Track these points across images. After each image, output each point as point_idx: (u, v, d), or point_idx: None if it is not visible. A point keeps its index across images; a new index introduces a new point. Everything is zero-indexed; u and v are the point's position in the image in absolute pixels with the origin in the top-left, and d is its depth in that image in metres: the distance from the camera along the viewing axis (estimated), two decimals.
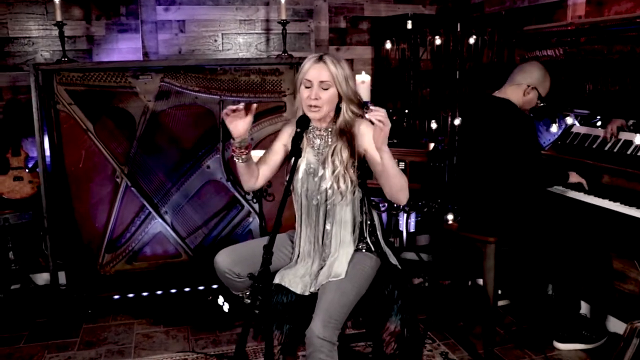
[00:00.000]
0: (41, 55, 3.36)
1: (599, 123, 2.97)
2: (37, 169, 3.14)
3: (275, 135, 3.30)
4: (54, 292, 3.19)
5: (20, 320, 3.10)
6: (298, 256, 2.11)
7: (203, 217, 3.39)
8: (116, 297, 3.26)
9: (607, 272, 2.76)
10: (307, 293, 2.01)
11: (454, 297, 3.30)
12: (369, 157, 1.98)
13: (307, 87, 1.97)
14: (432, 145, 3.53)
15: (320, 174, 2.03)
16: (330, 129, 2.05)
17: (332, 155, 2.01)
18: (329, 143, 2.04)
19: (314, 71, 1.96)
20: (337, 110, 2.03)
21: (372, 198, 2.16)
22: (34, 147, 3.34)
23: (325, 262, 2.05)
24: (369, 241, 2.09)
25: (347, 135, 1.99)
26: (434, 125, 3.65)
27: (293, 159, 1.87)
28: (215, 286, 3.32)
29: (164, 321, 3.08)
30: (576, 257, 2.61)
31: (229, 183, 3.37)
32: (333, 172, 1.99)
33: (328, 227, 2.05)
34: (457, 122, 3.62)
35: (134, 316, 3.15)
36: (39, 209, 3.13)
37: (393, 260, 2.14)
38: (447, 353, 2.73)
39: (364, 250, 2.07)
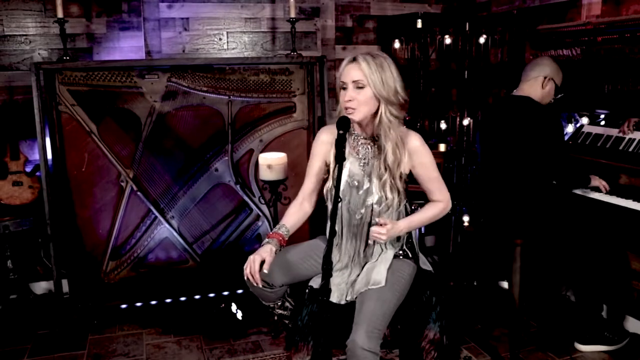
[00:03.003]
0: (39, 54, 3.21)
1: (602, 123, 2.96)
2: (38, 173, 3.00)
3: (284, 137, 3.29)
4: (57, 302, 3.04)
5: (21, 333, 2.94)
6: (334, 267, 2.02)
7: (211, 222, 3.28)
8: (123, 306, 3.13)
9: (626, 272, 2.75)
10: (343, 302, 1.93)
11: (471, 299, 3.26)
12: (416, 174, 1.95)
13: (343, 89, 1.90)
14: (442, 145, 3.49)
15: (365, 187, 1.94)
16: (376, 137, 1.93)
17: (379, 166, 1.91)
18: (376, 154, 1.94)
19: (346, 71, 1.89)
20: None
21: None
22: (32, 150, 3.21)
23: (363, 268, 1.97)
24: (405, 248, 2.02)
25: (393, 141, 1.88)
26: (443, 125, 3.62)
27: (337, 164, 1.75)
28: (226, 293, 3.22)
29: (174, 330, 2.96)
30: (596, 257, 2.60)
31: (238, 186, 3.26)
32: (381, 182, 1.90)
33: (371, 242, 1.96)
34: (465, 122, 3.59)
35: (141, 326, 3.02)
36: (40, 215, 2.98)
37: (427, 266, 2.08)
38: (471, 358, 2.68)
39: (401, 257, 2.00)
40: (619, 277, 2.70)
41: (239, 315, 2.98)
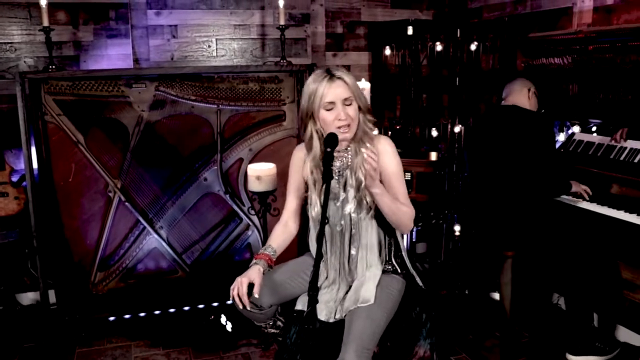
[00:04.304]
0: (24, 62, 3.16)
1: (594, 128, 2.96)
2: (24, 184, 2.95)
3: (273, 145, 3.26)
4: (44, 314, 3.00)
5: (6, 345, 2.90)
6: (321, 283, 2.00)
7: (200, 232, 3.25)
8: (112, 318, 3.09)
9: (617, 282, 2.74)
10: (332, 320, 1.90)
11: (462, 308, 3.24)
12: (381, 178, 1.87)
13: (328, 110, 1.84)
14: (433, 154, 3.46)
15: (342, 198, 1.93)
16: (348, 148, 1.93)
17: (354, 173, 1.90)
18: (349, 163, 1.93)
19: (332, 91, 1.83)
20: None
21: None
22: (18, 160, 3.15)
23: (351, 286, 1.95)
24: (394, 262, 2.00)
25: (366, 147, 1.87)
26: (434, 132, 3.59)
27: (324, 184, 1.71)
28: (215, 304, 3.19)
29: (163, 343, 2.93)
30: (587, 267, 2.58)
31: (227, 196, 3.23)
32: (358, 188, 1.88)
33: (353, 252, 1.94)
34: (457, 129, 3.57)
35: (130, 338, 2.98)
36: (27, 227, 2.94)
37: (419, 281, 2.06)
38: None
39: (390, 273, 1.97)
40: (610, 287, 2.69)
41: (229, 327, 2.95)
